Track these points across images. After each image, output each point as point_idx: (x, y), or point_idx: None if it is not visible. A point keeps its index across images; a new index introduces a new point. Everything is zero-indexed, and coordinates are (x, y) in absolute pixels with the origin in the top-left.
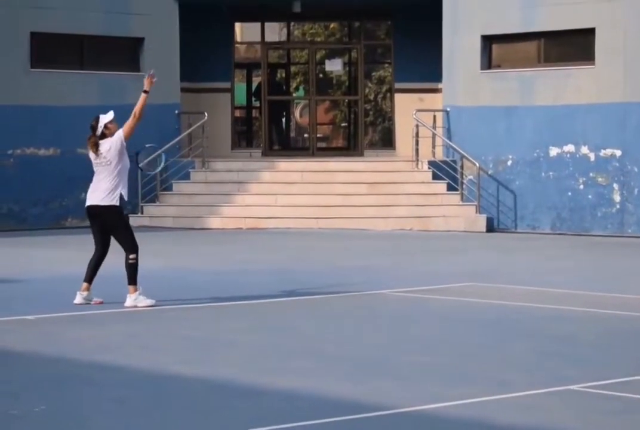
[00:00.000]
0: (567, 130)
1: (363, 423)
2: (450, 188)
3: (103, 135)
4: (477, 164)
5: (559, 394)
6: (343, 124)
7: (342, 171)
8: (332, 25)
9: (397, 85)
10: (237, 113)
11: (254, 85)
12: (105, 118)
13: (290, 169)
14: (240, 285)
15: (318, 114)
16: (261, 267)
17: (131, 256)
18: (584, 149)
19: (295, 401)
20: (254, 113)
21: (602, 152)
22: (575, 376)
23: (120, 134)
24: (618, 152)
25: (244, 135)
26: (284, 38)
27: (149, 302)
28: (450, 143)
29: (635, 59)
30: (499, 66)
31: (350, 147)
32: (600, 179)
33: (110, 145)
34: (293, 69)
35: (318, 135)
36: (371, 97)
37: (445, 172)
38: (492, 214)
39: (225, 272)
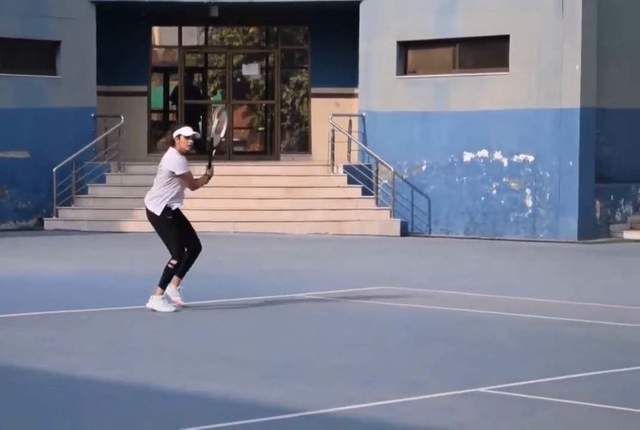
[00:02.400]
0: (481, 135)
1: (276, 425)
2: (365, 192)
3: (173, 144)
4: (392, 169)
5: (469, 396)
6: (260, 128)
7: (258, 175)
8: (250, 30)
9: (314, 90)
10: (154, 117)
11: (171, 89)
12: (184, 130)
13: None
14: (155, 289)
15: (235, 118)
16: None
17: (172, 261)
18: (498, 155)
19: (208, 404)
20: (171, 117)
21: (515, 158)
22: (486, 378)
23: (175, 166)
24: (531, 158)
25: (160, 139)
26: (202, 42)
27: (169, 309)
28: (366, 148)
29: (548, 66)
30: (414, 72)
31: (267, 152)
32: (513, 184)
33: (167, 161)
34: (210, 73)
35: (235, 140)
36: (288, 102)
37: (361, 176)
38: (406, 218)
39: (140, 276)
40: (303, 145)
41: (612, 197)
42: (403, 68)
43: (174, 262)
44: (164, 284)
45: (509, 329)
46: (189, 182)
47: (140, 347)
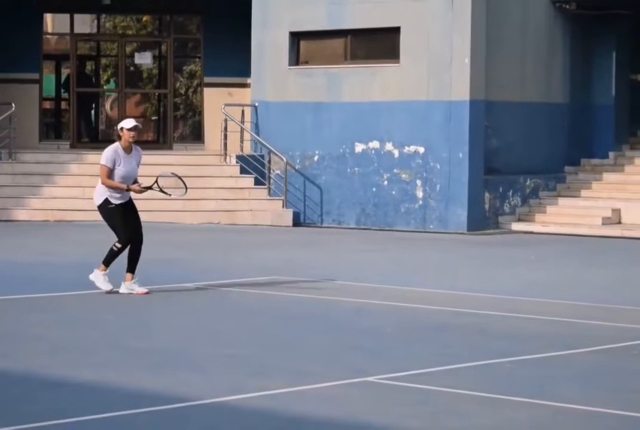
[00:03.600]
0: (372, 126)
1: (164, 414)
2: (257, 182)
3: (119, 137)
4: (285, 159)
5: (357, 385)
6: (153, 118)
7: (150, 164)
8: (143, 18)
9: (207, 80)
10: (46, 105)
11: (63, 77)
12: (125, 123)
13: (99, 162)
14: (44, 278)
15: (128, 107)
16: (66, 259)
17: (117, 244)
18: (389, 146)
19: (97, 393)
20: (63, 105)
21: (406, 149)
22: (374, 368)
23: (102, 157)
24: (421, 149)
25: (53, 127)
26: (94, 30)
27: (107, 287)
28: (258, 138)
29: (438, 58)
30: (306, 62)
31: (160, 141)
32: (404, 176)
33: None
34: (103, 61)
35: None
36: (182, 91)
37: (253, 166)
38: (298, 208)
39: (29, 265)
40: (196, 135)
41: (500, 188)
42: (295, 58)
43: (118, 245)
44: (107, 262)
45: (396, 318)
46: (101, 175)
47: (24, 336)
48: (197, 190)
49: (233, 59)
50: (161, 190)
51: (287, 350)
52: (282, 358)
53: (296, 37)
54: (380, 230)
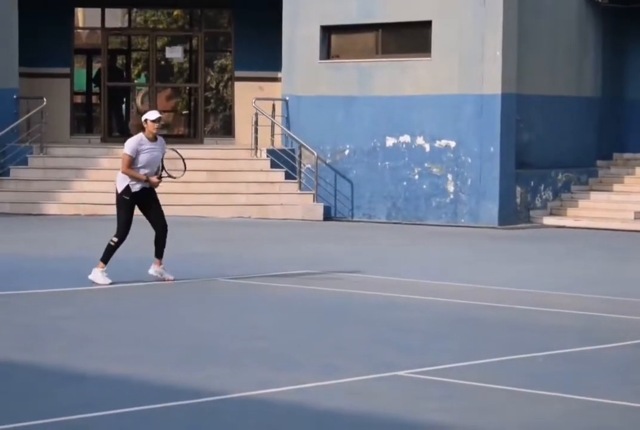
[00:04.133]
0: (403, 121)
1: (192, 409)
2: (288, 177)
3: (143, 128)
4: (315, 153)
5: (387, 379)
6: (184, 112)
7: (181, 158)
8: (174, 13)
9: (238, 74)
10: (77, 99)
11: (95, 71)
12: (149, 114)
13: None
14: (74, 272)
15: (159, 101)
16: (96, 254)
17: (114, 238)
18: (420, 140)
19: (124, 387)
20: (94, 99)
21: (437, 143)
22: (403, 362)
23: (125, 146)
24: (452, 143)
25: (84, 122)
26: (125, 24)
27: (104, 281)
28: (289, 132)
29: (469, 52)
30: (337, 56)
31: (191, 135)
32: (435, 170)
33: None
34: (134, 55)
35: None
36: (212, 85)
37: (284, 160)
38: (329, 202)
39: (60, 259)
40: (227, 129)
41: (532, 183)
42: (326, 52)
43: (115, 239)
44: (104, 259)
45: (427, 313)
46: (123, 163)
47: (54, 330)
48: (228, 184)
49: (264, 53)
50: (169, 176)
51: (317, 344)
52: (311, 352)
53: (327, 31)
54: (411, 224)
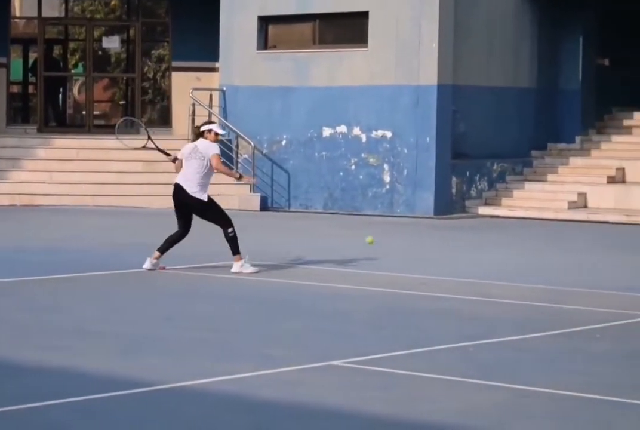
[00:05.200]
0: (340, 111)
1: (131, 399)
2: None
3: (201, 135)
4: (252, 144)
5: (323, 369)
6: (121, 102)
7: (118, 149)
8: (112, 2)
9: (175, 64)
10: (13, 89)
11: (31, 61)
12: (216, 127)
13: (66, 146)
14: (10, 263)
15: (96, 91)
16: (33, 244)
17: (229, 230)
18: (356, 130)
19: (64, 378)
20: (31, 89)
21: (374, 134)
22: (340, 352)
23: (214, 155)
24: (389, 134)
25: (20, 112)
26: (62, 14)
27: (253, 269)
28: (226, 122)
29: (406, 43)
30: (274, 47)
31: (128, 125)
32: (371, 160)
33: (206, 149)
34: (71, 45)
35: (96, 113)
36: (150, 76)
37: (221, 150)
38: (266, 193)
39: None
40: (164, 119)
41: (467, 173)
42: (264, 43)
43: (230, 230)
44: (236, 250)
45: (364, 303)
46: (220, 162)
47: None
48: (164, 175)
49: (201, 43)
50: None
51: (254, 335)
52: (248, 342)
53: (264, 22)
54: (348, 214)
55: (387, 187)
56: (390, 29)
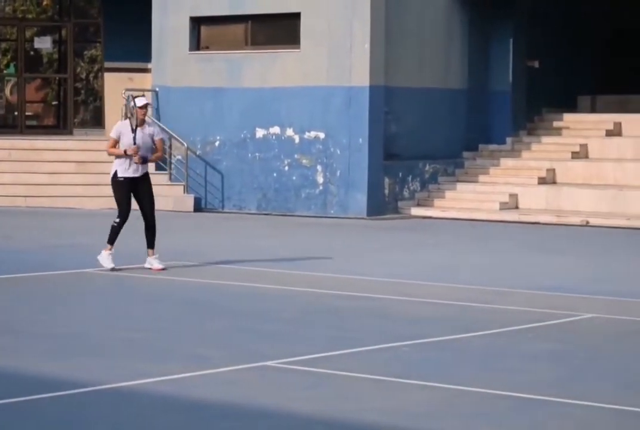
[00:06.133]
0: (273, 112)
1: (62, 400)
2: (158, 168)
3: (131, 114)
4: (185, 144)
5: (254, 369)
6: (54, 103)
7: (50, 150)
8: (44, 2)
9: (108, 65)
10: None
11: None
12: (137, 100)
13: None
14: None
15: (28, 91)
16: None
17: (115, 219)
18: (289, 131)
19: None
20: None
21: (307, 135)
22: (272, 352)
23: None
24: (322, 135)
25: None
26: None
27: (109, 265)
28: (159, 123)
29: (338, 44)
30: (207, 48)
31: (60, 126)
32: (304, 161)
33: None
34: (3, 45)
35: (28, 114)
36: (82, 76)
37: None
38: (199, 194)
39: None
40: (97, 120)
41: (400, 174)
42: (196, 44)
43: (117, 220)
44: (110, 240)
45: (294, 303)
46: (107, 145)
47: None
48: (97, 176)
49: (134, 44)
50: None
51: (185, 335)
52: (180, 343)
53: (197, 22)
54: (281, 215)
55: (321, 188)
56: (322, 30)
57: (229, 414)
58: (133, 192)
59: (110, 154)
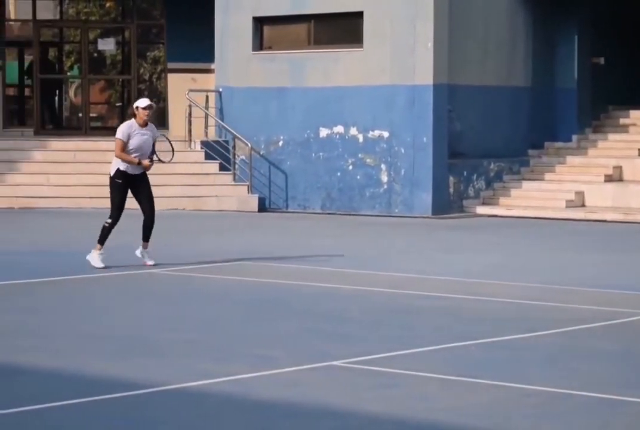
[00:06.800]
0: (336, 111)
1: (128, 401)
2: (222, 168)
3: (134, 115)
4: (249, 145)
5: (323, 369)
6: (117, 104)
7: (114, 151)
8: (107, 4)
9: (171, 66)
10: (9, 91)
11: (27, 64)
12: (139, 102)
13: (63, 148)
14: (4, 266)
15: (92, 93)
16: (28, 247)
17: (107, 220)
18: (353, 130)
19: (56, 380)
20: (27, 92)
21: (370, 134)
22: (340, 352)
23: (117, 132)
24: (386, 134)
25: (16, 114)
26: (57, 16)
27: (99, 264)
28: (223, 123)
29: (400, 43)
30: (270, 48)
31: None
32: (368, 160)
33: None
34: (67, 47)
35: (92, 115)
36: (145, 77)
37: (218, 152)
38: (264, 194)
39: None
40: (160, 121)
41: (464, 172)
42: (259, 44)
43: (109, 221)
44: (100, 240)
45: (362, 302)
46: (116, 147)
47: None
48: (161, 176)
49: (196, 44)
50: (160, 160)
51: (251, 336)
52: (246, 343)
53: (259, 22)
54: (346, 214)
55: (385, 187)
56: (385, 28)
57: (296, 414)
58: (132, 190)
59: (119, 157)
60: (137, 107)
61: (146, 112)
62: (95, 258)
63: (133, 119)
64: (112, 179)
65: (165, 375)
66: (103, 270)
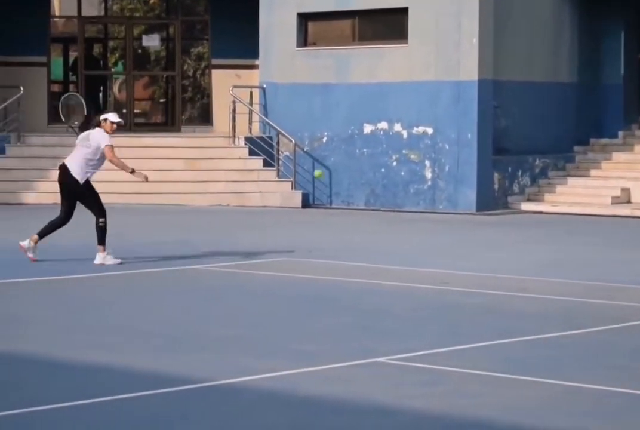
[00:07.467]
0: (380, 107)
1: (173, 396)
2: (266, 164)
3: (99, 125)
4: (293, 141)
5: (367, 366)
6: (161, 100)
7: (159, 147)
8: (152, 0)
9: (215, 62)
10: (54, 87)
11: (71, 60)
12: (111, 116)
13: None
14: (46, 261)
15: (136, 89)
16: (75, 242)
17: (100, 220)
18: (397, 127)
19: (107, 375)
20: (72, 88)
21: (415, 130)
22: (383, 348)
23: (104, 145)
24: (430, 130)
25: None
26: (102, 12)
27: (116, 261)
28: (267, 119)
29: (445, 39)
30: (314, 44)
31: (168, 123)
32: (412, 156)
33: (98, 139)
34: (111, 43)
35: (136, 111)
36: (190, 73)
37: (262, 148)
38: (307, 190)
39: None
40: (204, 117)
41: (509, 168)
42: (303, 40)
43: (102, 220)
44: (102, 241)
45: (407, 299)
46: (112, 153)
47: (28, 318)
48: (206, 172)
49: (240, 40)
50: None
51: (295, 332)
52: (290, 339)
53: (304, 18)
54: (390, 211)
55: (429, 183)
56: (430, 24)
57: (341, 410)
58: (79, 195)
59: (116, 162)
60: (106, 119)
61: (114, 126)
62: (108, 258)
63: (101, 129)
64: (83, 184)
65: (210, 371)
66: (150, 266)
